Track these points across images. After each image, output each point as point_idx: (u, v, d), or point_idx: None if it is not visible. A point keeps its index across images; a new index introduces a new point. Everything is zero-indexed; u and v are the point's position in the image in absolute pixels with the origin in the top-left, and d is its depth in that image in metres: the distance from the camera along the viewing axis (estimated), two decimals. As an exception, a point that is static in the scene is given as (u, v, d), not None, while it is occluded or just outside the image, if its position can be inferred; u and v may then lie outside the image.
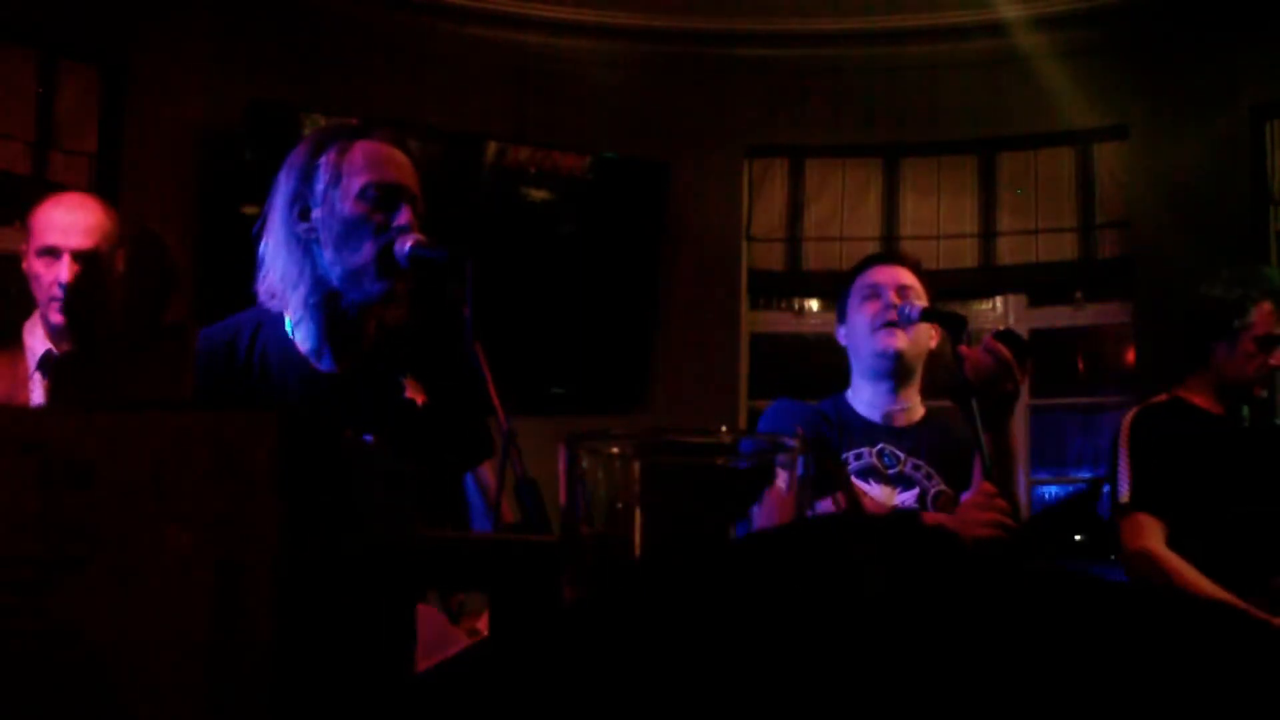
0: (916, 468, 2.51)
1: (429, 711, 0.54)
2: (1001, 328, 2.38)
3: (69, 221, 2.49)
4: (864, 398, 2.60)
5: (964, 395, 2.22)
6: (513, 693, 0.50)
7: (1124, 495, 2.85)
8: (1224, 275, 3.03)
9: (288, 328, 1.95)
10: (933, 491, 2.50)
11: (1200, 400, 2.95)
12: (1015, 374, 2.23)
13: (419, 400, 1.97)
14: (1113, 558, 4.69)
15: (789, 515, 0.65)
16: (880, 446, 2.52)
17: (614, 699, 0.48)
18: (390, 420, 1.92)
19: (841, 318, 2.64)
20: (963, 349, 2.27)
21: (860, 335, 2.56)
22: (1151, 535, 2.79)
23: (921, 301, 2.54)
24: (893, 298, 2.52)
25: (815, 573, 0.50)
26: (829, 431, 2.50)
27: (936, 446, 2.54)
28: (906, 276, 2.60)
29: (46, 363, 2.46)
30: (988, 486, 2.20)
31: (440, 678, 0.64)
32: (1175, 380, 3.05)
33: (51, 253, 2.47)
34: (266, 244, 1.93)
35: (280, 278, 1.91)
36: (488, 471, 2.03)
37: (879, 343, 2.52)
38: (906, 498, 2.48)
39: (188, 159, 4.69)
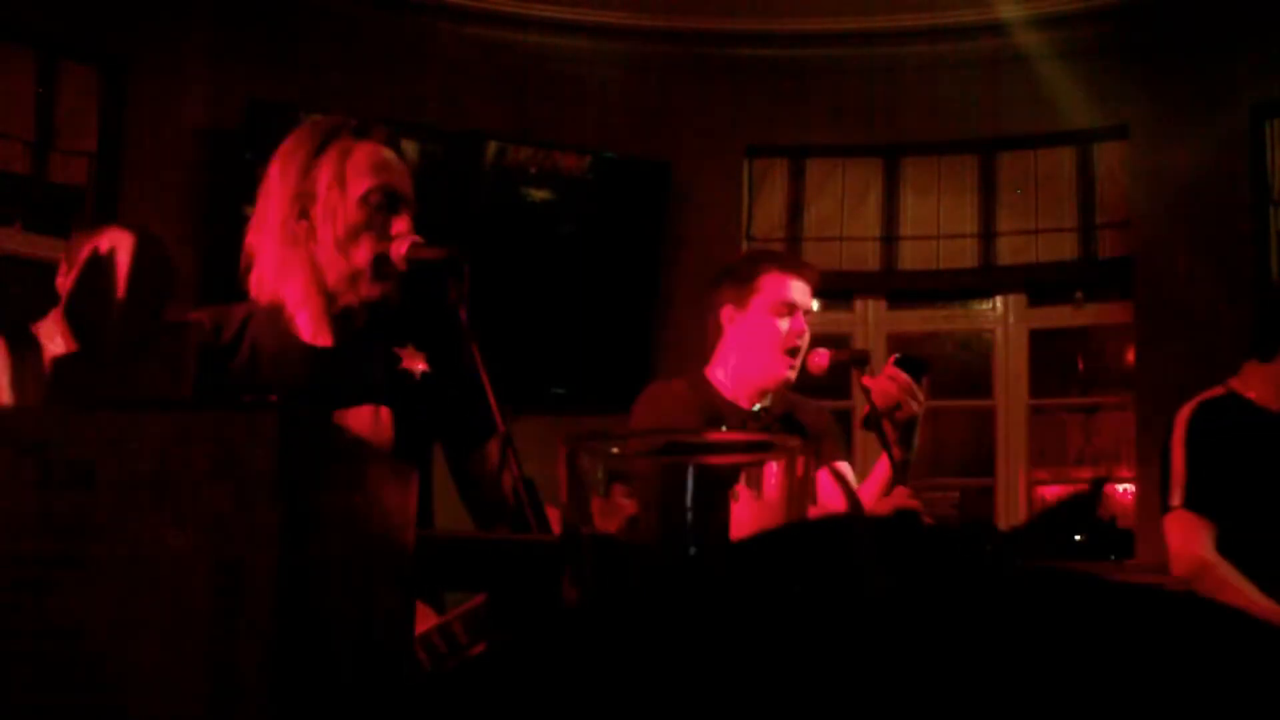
0: None
1: (430, 711, 0.54)
2: (898, 355, 2.54)
3: None
4: (730, 384, 2.67)
5: (876, 421, 2.43)
6: (513, 693, 0.50)
7: (1176, 495, 2.82)
8: None
9: (281, 308, 1.95)
10: None
11: (1257, 395, 2.89)
12: (917, 395, 2.45)
13: (417, 370, 1.96)
14: (1112, 558, 4.71)
15: (788, 515, 0.65)
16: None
17: (614, 700, 0.48)
18: (389, 391, 1.92)
19: (737, 301, 2.66)
20: (866, 380, 2.48)
21: (760, 347, 2.62)
22: (1201, 539, 2.76)
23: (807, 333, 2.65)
24: (803, 323, 2.62)
25: (815, 573, 0.50)
26: (710, 414, 2.59)
27: (793, 430, 2.65)
28: (810, 298, 2.69)
29: None
30: (903, 490, 2.40)
31: (441, 678, 0.64)
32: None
33: None
34: (256, 237, 1.93)
35: (274, 271, 1.91)
36: (493, 450, 2.01)
37: (780, 369, 2.61)
38: None
39: (188, 159, 4.69)
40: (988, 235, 5.37)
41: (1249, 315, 4.70)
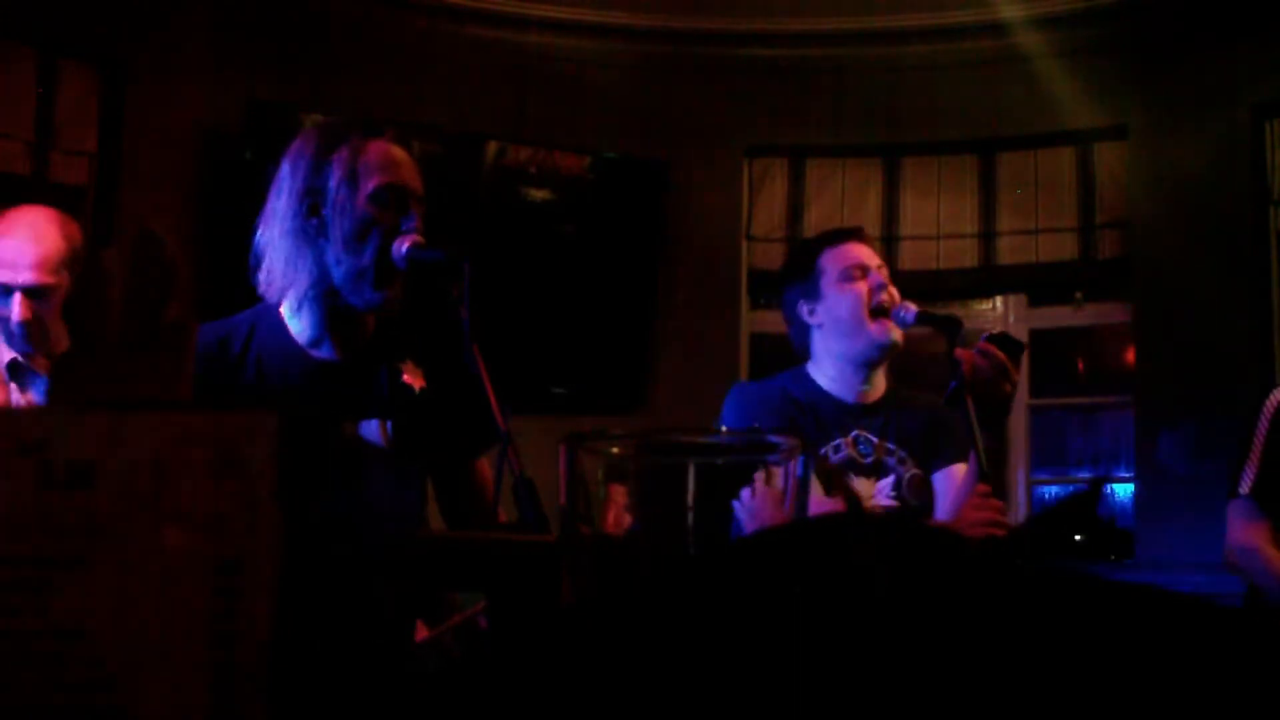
0: (889, 452, 2.44)
1: (429, 711, 0.54)
2: (995, 330, 2.37)
3: (16, 256, 2.36)
4: (833, 376, 2.50)
5: (960, 398, 2.24)
6: (513, 693, 0.50)
7: (1245, 484, 2.74)
8: None
9: (285, 319, 1.96)
10: (906, 476, 2.45)
11: None
12: (1011, 375, 2.27)
13: (416, 385, 1.97)
14: (1112, 558, 4.70)
15: (789, 515, 0.65)
16: (855, 434, 2.43)
17: (613, 699, 0.48)
18: (389, 406, 1.93)
19: (810, 295, 2.52)
20: (958, 352, 2.28)
21: (848, 318, 2.47)
22: (1258, 529, 2.70)
23: (892, 286, 2.50)
24: (881, 278, 2.48)
25: (816, 573, 0.50)
26: (800, 417, 2.45)
27: (904, 426, 2.48)
28: (878, 257, 2.55)
29: (14, 369, 2.43)
30: (982, 487, 2.21)
31: (440, 678, 0.64)
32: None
33: (3, 289, 2.36)
34: (266, 234, 1.93)
35: (281, 269, 1.91)
36: (486, 467, 2.03)
37: (878, 334, 2.44)
38: (884, 486, 2.43)
39: (188, 159, 4.69)
40: (988, 235, 5.36)
41: (1248, 315, 4.73)
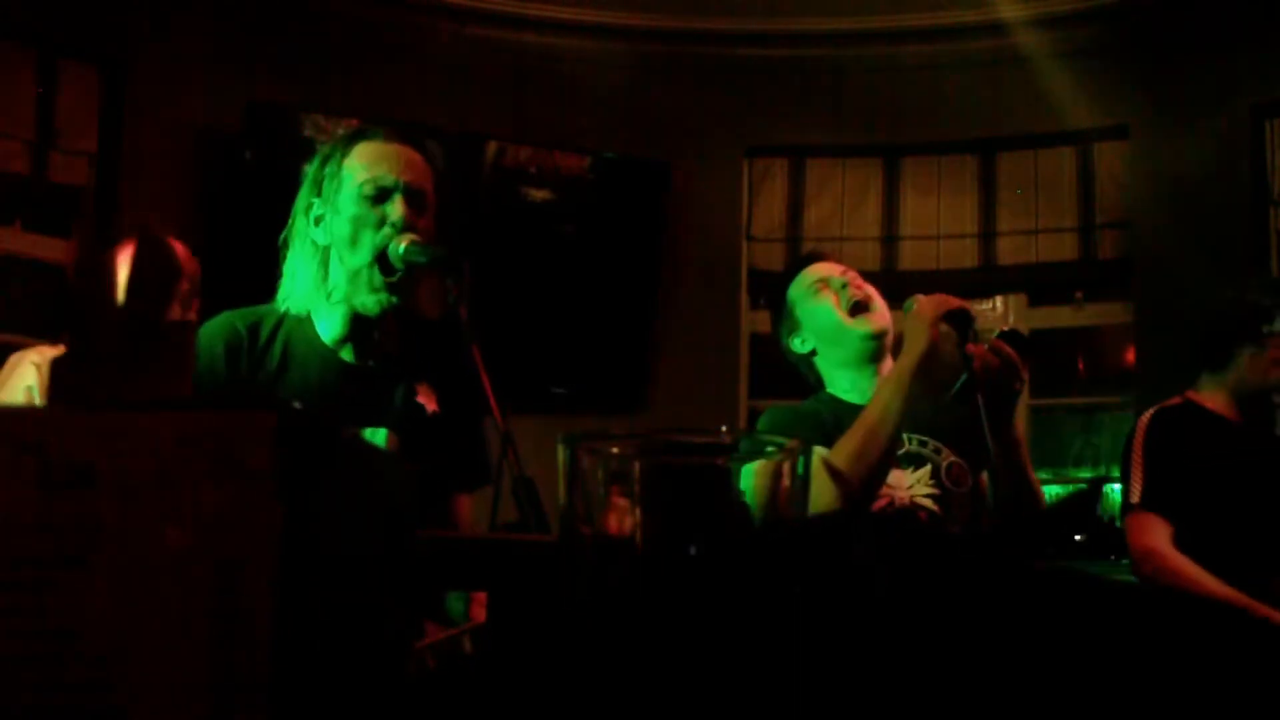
0: (923, 444, 2.46)
1: (429, 711, 0.54)
2: (1005, 327, 2.40)
3: None
4: (848, 387, 2.54)
5: (971, 393, 2.25)
6: (513, 692, 0.50)
7: (1134, 496, 2.91)
8: (1254, 282, 3.13)
9: (313, 317, 1.99)
10: (945, 465, 2.45)
11: (1213, 404, 3.02)
12: (1021, 373, 2.31)
13: (429, 407, 1.99)
14: (1112, 558, 4.72)
15: (787, 515, 0.65)
16: None
17: (613, 699, 0.48)
18: (399, 419, 1.94)
19: (793, 328, 2.59)
20: (970, 348, 2.29)
21: (830, 327, 2.52)
22: (1158, 535, 2.85)
23: (866, 285, 2.54)
24: (845, 280, 2.53)
25: (816, 573, 0.50)
26: (826, 431, 2.45)
27: (934, 417, 2.48)
28: (839, 266, 2.60)
29: None
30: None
31: (440, 678, 0.64)
32: (1187, 382, 3.12)
33: None
34: (291, 255, 1.99)
35: (301, 286, 1.95)
36: (466, 509, 2.04)
37: (861, 326, 2.49)
38: (921, 476, 2.43)
39: (188, 159, 4.69)
40: (988, 235, 5.36)
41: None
